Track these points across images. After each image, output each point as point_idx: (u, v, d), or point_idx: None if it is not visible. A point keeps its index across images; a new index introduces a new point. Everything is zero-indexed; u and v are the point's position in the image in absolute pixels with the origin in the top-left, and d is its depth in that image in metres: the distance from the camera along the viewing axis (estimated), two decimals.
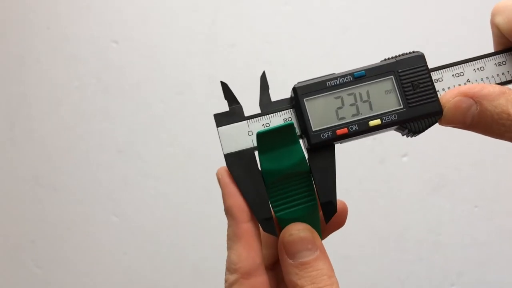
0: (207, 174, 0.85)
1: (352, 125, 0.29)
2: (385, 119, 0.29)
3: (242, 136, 0.30)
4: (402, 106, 0.29)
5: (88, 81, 0.86)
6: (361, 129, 0.29)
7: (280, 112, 0.30)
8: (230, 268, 0.29)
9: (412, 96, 0.29)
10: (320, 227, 0.31)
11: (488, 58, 0.29)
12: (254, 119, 0.30)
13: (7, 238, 0.91)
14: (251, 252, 0.29)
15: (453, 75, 0.29)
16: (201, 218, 0.86)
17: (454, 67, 0.29)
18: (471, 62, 0.29)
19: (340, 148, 0.31)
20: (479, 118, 0.27)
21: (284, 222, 0.30)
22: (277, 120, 0.30)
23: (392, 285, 0.80)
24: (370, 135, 0.30)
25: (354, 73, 0.30)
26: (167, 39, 0.84)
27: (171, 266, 0.88)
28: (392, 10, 0.79)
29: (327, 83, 0.30)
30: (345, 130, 0.29)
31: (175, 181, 0.86)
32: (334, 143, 0.29)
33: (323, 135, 0.29)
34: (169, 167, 0.86)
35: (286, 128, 0.28)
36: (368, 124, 0.29)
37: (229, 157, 0.30)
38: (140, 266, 0.88)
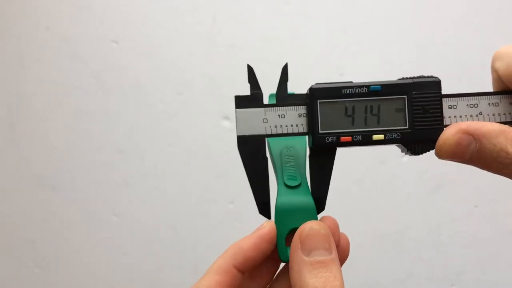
0: (207, 174, 0.85)
1: (357, 135, 0.30)
2: (388, 136, 0.30)
3: (258, 122, 0.31)
4: (407, 127, 0.30)
5: (88, 81, 0.86)
6: (364, 140, 0.30)
7: (296, 107, 0.31)
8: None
9: (419, 119, 0.30)
10: None
11: (503, 95, 0.30)
12: (271, 108, 0.32)
13: (7, 238, 0.91)
14: (223, 287, 0.30)
15: (467, 104, 0.30)
16: (201, 218, 0.86)
17: (470, 97, 0.30)
18: (487, 96, 0.30)
19: (340, 148, 0.31)
20: (478, 155, 0.28)
21: (283, 214, 0.31)
22: (292, 113, 0.31)
23: (392, 285, 0.80)
24: (370, 146, 0.31)
25: (371, 86, 0.30)
26: (167, 39, 0.84)
27: (171, 266, 0.88)
28: (393, 10, 0.79)
29: (343, 90, 0.31)
30: (349, 138, 0.30)
31: (175, 181, 0.86)
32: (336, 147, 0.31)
33: (327, 139, 0.30)
34: (169, 167, 0.86)
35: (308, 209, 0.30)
36: (371, 138, 0.30)
37: (241, 139, 0.32)
38: (140, 266, 0.88)
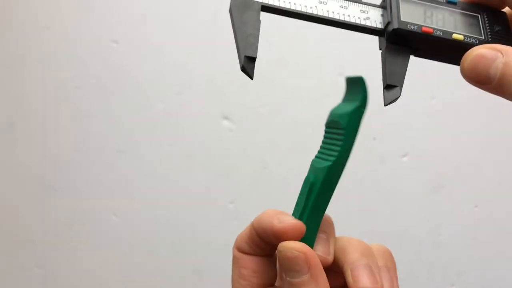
0: (207, 174, 0.85)
1: (438, 30, 0.29)
2: (467, 39, 0.29)
3: None
4: (484, 38, 0.30)
5: (88, 81, 0.86)
6: (444, 36, 0.29)
7: (360, 4, 0.30)
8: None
9: (494, 34, 0.30)
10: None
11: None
12: None
13: (7, 238, 0.91)
14: (248, 239, 0.31)
15: None
16: (201, 218, 0.86)
17: None
18: None
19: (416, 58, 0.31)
20: (503, 71, 0.25)
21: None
22: (354, 7, 0.30)
23: None
24: (444, 57, 0.30)
25: None
26: (167, 39, 0.84)
27: (171, 266, 0.88)
28: None
29: None
30: (430, 30, 0.29)
31: (175, 181, 0.86)
32: (410, 51, 0.29)
33: (409, 26, 0.29)
34: (169, 167, 0.86)
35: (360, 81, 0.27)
36: (451, 35, 0.29)
37: (234, 0, 0.28)
38: (140, 266, 0.88)
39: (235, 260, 0.32)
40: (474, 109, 0.80)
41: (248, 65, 0.27)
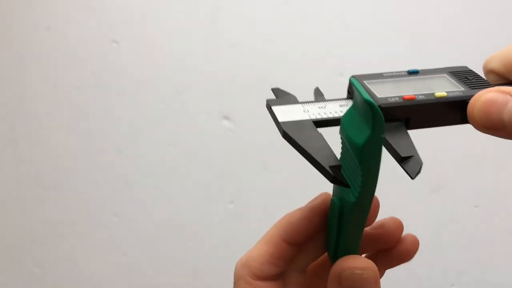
0: (207, 174, 0.85)
1: (419, 95, 0.28)
2: (450, 93, 0.28)
3: (298, 112, 0.28)
4: (465, 89, 0.29)
5: (88, 81, 0.86)
6: (428, 98, 0.28)
7: (337, 101, 0.29)
8: (242, 262, 0.28)
9: (470, 84, 0.29)
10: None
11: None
12: (309, 103, 0.29)
13: (7, 238, 0.91)
14: (273, 258, 0.28)
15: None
16: (201, 218, 0.86)
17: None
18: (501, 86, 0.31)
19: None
20: None
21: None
22: (332, 105, 0.29)
23: (392, 285, 0.80)
24: (436, 121, 0.29)
25: (408, 70, 0.30)
26: (167, 39, 0.84)
27: (171, 266, 0.88)
28: (393, 10, 0.79)
29: (383, 74, 0.30)
30: (412, 96, 0.28)
31: (175, 181, 0.86)
32: (403, 122, 0.28)
33: (390, 99, 0.27)
34: (169, 167, 0.86)
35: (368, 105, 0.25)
36: (433, 95, 0.28)
37: (285, 124, 0.27)
38: (140, 266, 0.88)
39: None
40: None
41: (338, 173, 0.25)
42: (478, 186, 0.80)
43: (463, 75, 0.30)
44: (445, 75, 0.30)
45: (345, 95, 0.31)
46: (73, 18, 0.86)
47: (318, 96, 0.30)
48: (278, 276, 0.29)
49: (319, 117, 0.28)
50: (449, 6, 0.79)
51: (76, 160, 0.88)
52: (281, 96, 0.30)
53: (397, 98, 0.27)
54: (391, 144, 0.27)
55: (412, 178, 0.26)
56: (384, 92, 0.27)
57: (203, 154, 0.84)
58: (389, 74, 0.30)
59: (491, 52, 0.30)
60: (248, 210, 0.84)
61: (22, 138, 0.89)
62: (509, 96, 0.24)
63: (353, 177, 0.25)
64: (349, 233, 0.27)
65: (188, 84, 0.84)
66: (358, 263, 0.26)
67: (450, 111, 0.28)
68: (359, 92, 0.24)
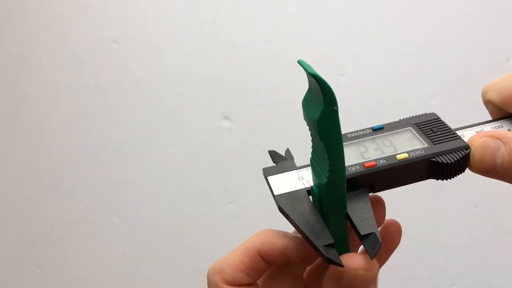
0: (207, 174, 0.85)
1: (380, 159, 0.28)
2: (412, 154, 0.28)
3: (293, 181, 0.29)
4: (427, 145, 0.29)
5: (88, 81, 0.86)
6: (389, 162, 0.28)
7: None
8: (216, 268, 0.28)
9: (434, 137, 0.29)
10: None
11: (504, 120, 0.30)
12: (304, 169, 0.30)
13: (7, 238, 0.92)
14: (247, 268, 0.28)
15: (476, 131, 0.30)
16: (201, 218, 0.86)
17: (476, 126, 0.30)
18: (490, 123, 0.30)
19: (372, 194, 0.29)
20: (509, 160, 0.26)
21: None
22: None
23: (392, 285, 0.80)
24: (400, 181, 0.29)
25: (373, 127, 0.31)
26: (167, 39, 0.84)
27: (171, 266, 0.88)
28: (393, 10, 0.79)
29: (347, 135, 0.30)
30: (373, 163, 0.28)
31: (175, 181, 0.86)
32: (365, 190, 0.28)
33: (351, 169, 0.28)
34: (169, 167, 0.86)
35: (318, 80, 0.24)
36: (395, 158, 0.28)
37: (280, 197, 0.28)
38: (140, 266, 0.88)
39: None
40: (474, 108, 0.80)
41: (331, 253, 0.25)
42: (478, 186, 0.80)
43: (428, 126, 0.30)
44: (410, 128, 0.30)
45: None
46: (73, 18, 0.86)
47: (288, 156, 0.32)
48: (251, 285, 0.29)
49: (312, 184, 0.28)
50: (449, 6, 0.79)
51: (76, 160, 0.88)
52: (277, 162, 0.31)
53: (357, 167, 0.28)
54: (352, 218, 0.27)
55: (372, 258, 0.25)
56: (346, 159, 0.26)
57: (203, 154, 0.84)
58: (353, 135, 0.30)
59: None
60: (248, 210, 0.84)
61: (22, 138, 0.89)
62: (500, 142, 0.26)
63: (322, 161, 0.25)
64: (332, 219, 0.27)
65: (188, 84, 0.84)
66: (363, 263, 0.25)
67: (414, 171, 0.28)
68: (305, 69, 0.24)
